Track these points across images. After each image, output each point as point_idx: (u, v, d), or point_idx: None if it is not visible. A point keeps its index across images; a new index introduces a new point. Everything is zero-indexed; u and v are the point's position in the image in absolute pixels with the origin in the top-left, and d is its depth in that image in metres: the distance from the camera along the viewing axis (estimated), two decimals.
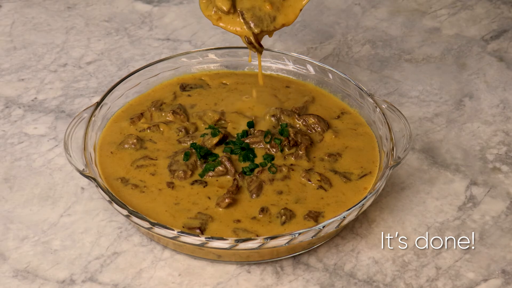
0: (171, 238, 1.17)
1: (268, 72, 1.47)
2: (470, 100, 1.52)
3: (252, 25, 1.29)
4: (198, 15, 1.71)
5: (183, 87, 1.44)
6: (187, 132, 1.35)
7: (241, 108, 1.40)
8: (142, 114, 1.38)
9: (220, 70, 1.49)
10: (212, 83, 1.46)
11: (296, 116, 1.37)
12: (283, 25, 1.30)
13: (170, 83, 1.45)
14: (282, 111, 1.38)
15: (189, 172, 1.28)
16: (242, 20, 1.29)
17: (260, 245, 1.15)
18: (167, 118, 1.38)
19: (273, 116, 1.38)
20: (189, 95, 1.43)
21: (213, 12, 1.29)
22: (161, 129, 1.36)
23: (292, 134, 1.33)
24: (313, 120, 1.36)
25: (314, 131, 1.36)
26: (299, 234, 1.16)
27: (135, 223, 1.19)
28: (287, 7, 1.31)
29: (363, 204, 1.20)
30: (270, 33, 1.31)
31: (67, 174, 1.35)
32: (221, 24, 1.30)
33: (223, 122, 1.37)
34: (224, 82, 1.46)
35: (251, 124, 1.36)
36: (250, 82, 1.46)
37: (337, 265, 1.22)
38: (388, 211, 1.30)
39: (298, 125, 1.37)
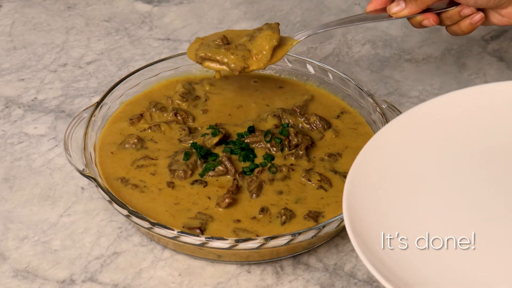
0: (171, 238, 1.17)
1: (261, 72, 1.46)
2: None
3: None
4: (198, 15, 1.71)
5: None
6: (190, 131, 1.35)
7: (243, 105, 1.40)
8: (141, 115, 1.38)
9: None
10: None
11: (298, 115, 1.37)
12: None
13: (170, 82, 1.45)
14: (283, 110, 1.38)
15: (189, 172, 1.28)
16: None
17: (260, 245, 1.15)
18: (169, 118, 1.37)
19: (274, 115, 1.37)
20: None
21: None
22: (162, 129, 1.35)
23: (292, 134, 1.32)
24: (315, 118, 1.36)
25: (315, 128, 1.36)
26: (299, 234, 1.16)
27: (135, 223, 1.19)
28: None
29: None
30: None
31: (67, 174, 1.35)
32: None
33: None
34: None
35: (251, 130, 1.35)
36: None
37: (337, 265, 1.22)
38: None
39: (300, 124, 1.36)
